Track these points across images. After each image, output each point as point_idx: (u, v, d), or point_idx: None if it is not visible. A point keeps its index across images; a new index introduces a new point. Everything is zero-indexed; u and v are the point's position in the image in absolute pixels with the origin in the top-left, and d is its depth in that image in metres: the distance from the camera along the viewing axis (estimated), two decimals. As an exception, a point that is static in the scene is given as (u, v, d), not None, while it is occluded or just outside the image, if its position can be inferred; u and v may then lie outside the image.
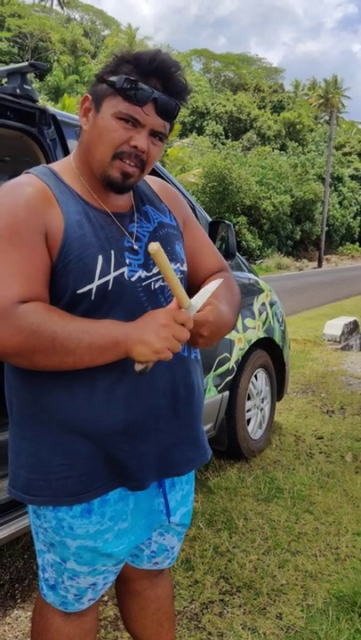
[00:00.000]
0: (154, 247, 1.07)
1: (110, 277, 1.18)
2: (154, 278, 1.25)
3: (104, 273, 1.17)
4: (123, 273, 1.20)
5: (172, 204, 1.42)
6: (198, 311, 1.18)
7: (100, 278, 1.16)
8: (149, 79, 1.16)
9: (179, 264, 1.32)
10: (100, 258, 1.18)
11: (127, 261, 1.22)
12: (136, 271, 1.23)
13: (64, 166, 1.28)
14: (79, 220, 1.19)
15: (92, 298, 1.16)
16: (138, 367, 1.14)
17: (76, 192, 1.23)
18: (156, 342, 1.10)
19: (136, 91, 1.14)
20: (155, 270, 1.26)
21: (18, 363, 1.15)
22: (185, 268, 1.35)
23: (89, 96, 1.22)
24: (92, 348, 1.11)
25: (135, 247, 1.24)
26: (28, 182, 1.20)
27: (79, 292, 1.15)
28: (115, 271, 1.19)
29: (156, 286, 1.26)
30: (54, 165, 1.30)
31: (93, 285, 1.16)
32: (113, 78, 1.16)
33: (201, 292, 1.19)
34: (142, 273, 1.24)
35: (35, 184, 1.20)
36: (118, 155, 1.18)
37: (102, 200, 1.25)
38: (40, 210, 1.16)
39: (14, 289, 1.09)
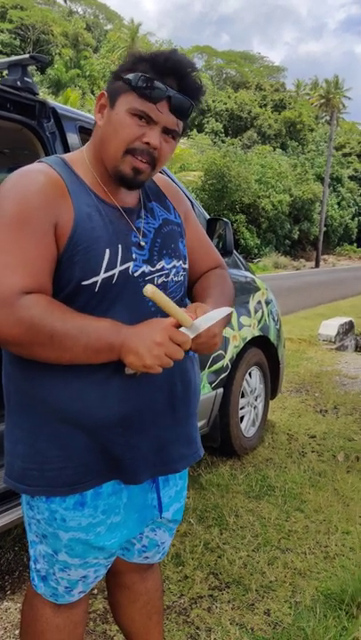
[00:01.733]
0: (148, 291, 1.08)
1: (116, 271, 1.19)
2: (157, 274, 1.26)
3: (110, 266, 1.18)
4: (128, 268, 1.21)
5: (175, 200, 1.43)
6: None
7: (105, 271, 1.17)
8: (165, 78, 1.17)
9: (181, 262, 1.33)
10: (108, 251, 1.18)
11: (133, 256, 1.23)
12: (140, 266, 1.23)
13: (77, 158, 1.29)
14: (89, 213, 1.20)
15: (96, 290, 1.17)
16: (127, 371, 1.17)
17: (87, 184, 1.24)
18: (147, 359, 1.11)
19: (151, 89, 1.15)
20: (158, 266, 1.27)
21: (18, 352, 1.16)
22: (186, 265, 1.36)
23: (105, 93, 1.23)
24: (88, 349, 1.12)
25: (142, 243, 1.25)
26: (41, 170, 1.21)
27: (84, 283, 1.16)
28: (121, 265, 1.20)
29: (159, 282, 1.27)
30: (67, 156, 1.31)
31: (99, 278, 1.17)
32: (129, 76, 1.17)
33: (208, 314, 1.18)
34: (146, 268, 1.24)
35: (48, 173, 1.21)
36: (130, 150, 1.19)
37: (112, 194, 1.26)
38: (51, 199, 1.16)
39: (19, 279, 1.10)
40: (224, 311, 1.20)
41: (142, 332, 1.13)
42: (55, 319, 1.09)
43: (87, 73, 36.81)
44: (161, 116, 1.18)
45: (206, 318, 1.17)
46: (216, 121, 41.66)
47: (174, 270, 1.30)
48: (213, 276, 1.46)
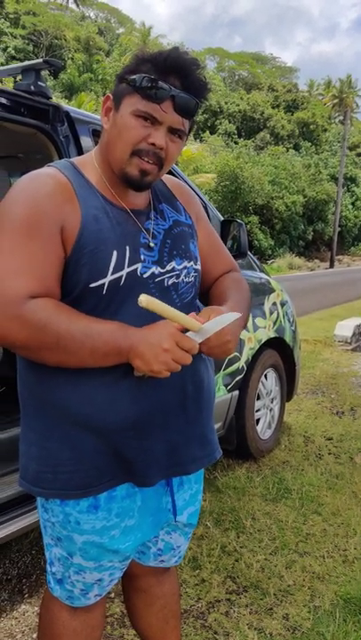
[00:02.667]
0: (143, 302, 1.07)
1: (124, 273, 1.19)
2: (168, 275, 1.26)
3: (118, 268, 1.18)
4: (136, 269, 1.21)
5: (186, 202, 1.42)
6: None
7: (113, 273, 1.17)
8: (168, 77, 1.16)
9: (192, 262, 1.32)
10: (115, 253, 1.18)
11: (142, 257, 1.22)
12: (149, 267, 1.23)
13: (85, 162, 1.29)
14: (96, 215, 1.20)
15: (104, 292, 1.17)
16: (136, 373, 1.17)
17: (95, 187, 1.24)
18: (154, 364, 1.11)
19: (154, 89, 1.15)
20: (169, 267, 1.26)
21: (28, 356, 1.17)
22: (198, 266, 1.36)
23: (110, 96, 1.23)
24: (95, 352, 1.12)
25: (151, 244, 1.25)
26: (50, 174, 1.22)
27: (92, 285, 1.16)
28: (128, 267, 1.19)
29: (170, 283, 1.26)
30: (76, 160, 1.31)
31: (106, 280, 1.17)
32: (132, 77, 1.17)
33: (217, 319, 1.17)
34: (156, 269, 1.24)
35: (56, 177, 1.21)
36: (136, 152, 1.19)
37: (121, 197, 1.26)
38: (59, 203, 1.17)
39: (26, 283, 1.10)
40: (233, 316, 1.19)
41: (150, 336, 1.13)
42: (61, 322, 1.09)
43: (100, 77, 36.98)
44: (165, 115, 1.17)
45: (215, 322, 1.16)
46: (229, 122, 41.60)
47: (185, 271, 1.30)
48: (229, 279, 1.45)
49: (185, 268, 1.30)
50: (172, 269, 1.27)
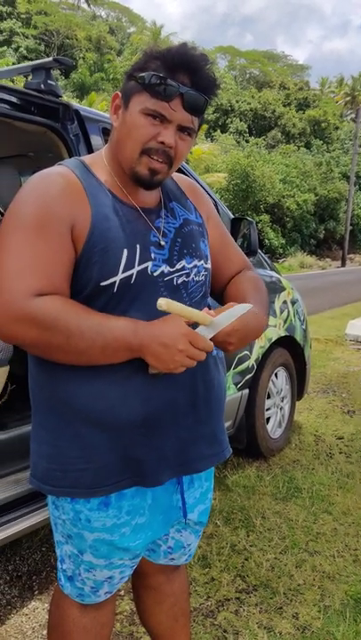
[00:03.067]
0: (162, 306, 1.08)
1: (134, 271, 1.18)
2: (177, 274, 1.26)
3: (128, 266, 1.18)
4: (147, 267, 1.21)
5: (197, 201, 1.42)
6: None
7: (123, 272, 1.17)
8: (177, 74, 1.15)
9: (202, 261, 1.32)
10: (126, 251, 1.18)
11: (152, 256, 1.22)
12: (160, 266, 1.23)
13: (96, 160, 1.29)
14: (106, 214, 1.20)
15: (115, 290, 1.17)
16: (151, 370, 1.17)
17: (105, 186, 1.24)
18: (169, 363, 1.13)
19: (162, 87, 1.14)
20: (178, 266, 1.26)
21: (38, 354, 1.17)
22: (209, 265, 1.35)
23: (119, 94, 1.23)
24: (106, 350, 1.12)
25: (162, 242, 1.25)
26: (60, 173, 1.22)
27: (103, 284, 1.16)
28: (139, 265, 1.19)
29: (179, 282, 1.26)
30: (86, 158, 1.31)
31: (117, 278, 1.17)
32: (140, 75, 1.16)
33: (228, 311, 1.18)
34: (165, 268, 1.24)
35: (66, 175, 1.21)
36: (146, 151, 1.19)
37: (131, 195, 1.26)
38: (69, 202, 1.17)
39: (35, 281, 1.10)
40: (244, 307, 1.19)
41: (162, 335, 1.12)
42: (70, 320, 1.09)
43: (111, 76, 37.05)
44: (175, 114, 1.17)
45: (227, 315, 1.17)
46: (240, 121, 41.53)
47: (195, 270, 1.29)
48: (246, 278, 1.44)
49: (195, 266, 1.29)
50: (182, 268, 1.26)
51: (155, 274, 1.22)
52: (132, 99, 1.19)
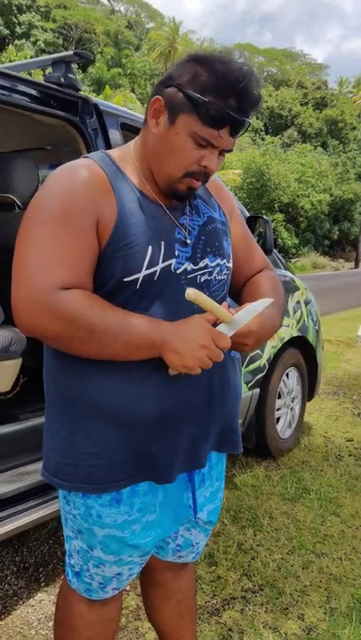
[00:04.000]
0: (191, 295, 1.08)
1: (158, 268, 1.18)
2: (200, 272, 1.25)
3: (153, 263, 1.17)
4: (170, 265, 1.20)
5: (220, 197, 1.41)
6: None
7: (147, 268, 1.16)
8: (228, 98, 1.12)
9: (225, 260, 1.31)
10: (150, 248, 1.17)
11: (176, 253, 1.21)
12: (183, 263, 1.22)
13: (123, 154, 1.28)
14: (132, 209, 1.19)
15: (138, 287, 1.16)
16: (171, 372, 1.17)
17: (131, 181, 1.23)
18: (189, 360, 1.12)
19: (217, 117, 1.12)
20: (202, 264, 1.25)
21: (57, 347, 1.16)
22: (231, 264, 1.35)
23: (161, 99, 1.18)
24: (128, 346, 1.11)
25: (188, 241, 1.24)
26: (86, 166, 1.21)
27: (126, 280, 1.15)
28: (163, 262, 1.19)
29: (202, 280, 1.25)
30: (113, 152, 1.30)
31: (141, 275, 1.16)
32: (193, 95, 1.12)
33: (247, 308, 1.17)
34: (189, 266, 1.23)
35: (92, 169, 1.20)
36: (189, 174, 1.19)
37: (156, 192, 1.25)
38: (95, 195, 1.16)
39: (59, 274, 1.09)
40: (263, 303, 1.19)
41: (185, 331, 1.12)
42: (95, 315, 1.09)
43: (128, 71, 37.05)
44: (222, 141, 1.16)
45: (247, 311, 1.17)
46: (256, 119, 41.34)
47: (218, 269, 1.28)
48: (265, 279, 1.43)
49: (218, 265, 1.28)
50: (205, 266, 1.26)
51: (178, 271, 1.21)
52: (180, 117, 1.15)
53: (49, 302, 1.07)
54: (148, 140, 1.23)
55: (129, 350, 1.12)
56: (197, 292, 1.09)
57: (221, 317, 1.14)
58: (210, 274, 1.26)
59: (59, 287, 1.08)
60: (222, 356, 1.15)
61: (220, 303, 1.28)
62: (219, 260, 1.29)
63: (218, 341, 1.13)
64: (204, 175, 1.21)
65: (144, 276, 1.16)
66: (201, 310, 1.16)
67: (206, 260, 1.26)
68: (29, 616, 2.04)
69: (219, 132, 1.14)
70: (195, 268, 1.24)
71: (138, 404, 1.18)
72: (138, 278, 1.16)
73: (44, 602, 2.12)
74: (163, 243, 1.19)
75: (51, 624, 1.96)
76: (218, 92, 1.11)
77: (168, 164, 1.19)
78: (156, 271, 1.17)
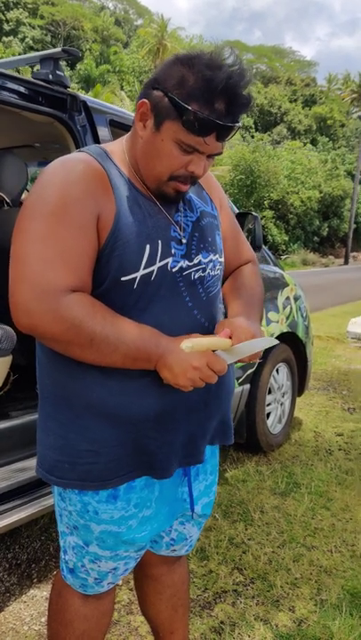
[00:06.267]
0: (188, 348, 1.10)
1: (155, 267, 1.17)
2: (194, 268, 1.24)
3: (150, 263, 1.16)
4: (167, 263, 1.19)
5: (210, 188, 1.41)
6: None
7: (145, 268, 1.15)
8: (214, 103, 1.08)
9: (218, 255, 1.31)
10: (148, 247, 1.16)
11: (172, 251, 1.20)
12: (178, 261, 1.21)
13: (116, 150, 1.25)
14: (130, 206, 1.17)
15: (135, 287, 1.15)
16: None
17: (126, 177, 1.21)
18: (180, 379, 1.13)
19: (202, 126, 1.09)
20: (196, 260, 1.25)
21: (53, 348, 1.14)
22: (223, 259, 1.34)
23: (147, 103, 1.15)
24: (126, 358, 1.11)
25: (183, 240, 1.23)
26: (83, 160, 1.17)
27: (123, 279, 1.14)
28: (160, 261, 1.17)
29: (196, 277, 1.25)
30: (107, 147, 1.27)
31: (138, 274, 1.14)
32: (178, 102, 1.08)
33: (252, 342, 1.16)
34: (184, 263, 1.22)
35: (90, 163, 1.17)
36: (175, 177, 1.17)
37: (149, 189, 1.23)
38: (93, 190, 1.13)
39: (64, 275, 1.07)
40: (269, 342, 1.20)
41: (181, 350, 1.12)
42: (97, 324, 1.07)
43: (117, 68, 36.91)
44: (208, 147, 1.14)
45: (250, 346, 1.16)
46: (246, 116, 41.34)
47: (211, 264, 1.28)
48: (244, 273, 1.44)
49: (211, 261, 1.28)
50: (199, 263, 1.25)
51: (174, 270, 1.20)
52: (166, 123, 1.12)
53: (53, 305, 1.05)
54: (138, 144, 1.21)
55: (126, 361, 1.12)
56: (192, 341, 1.10)
57: (222, 348, 1.15)
58: (203, 270, 1.26)
59: (65, 289, 1.06)
60: (215, 379, 1.15)
61: (215, 298, 1.30)
62: (212, 256, 1.28)
63: (212, 365, 1.13)
64: (193, 179, 1.20)
65: (141, 276, 1.15)
66: (201, 312, 1.17)
67: (200, 257, 1.25)
68: (22, 612, 2.04)
69: (205, 139, 1.11)
70: (189, 264, 1.23)
71: (136, 402, 1.18)
72: (135, 278, 1.14)
73: (36, 598, 2.12)
74: (160, 241, 1.18)
75: (44, 620, 1.97)
76: (204, 97, 1.07)
77: (155, 167, 1.18)
78: (153, 271, 1.16)
